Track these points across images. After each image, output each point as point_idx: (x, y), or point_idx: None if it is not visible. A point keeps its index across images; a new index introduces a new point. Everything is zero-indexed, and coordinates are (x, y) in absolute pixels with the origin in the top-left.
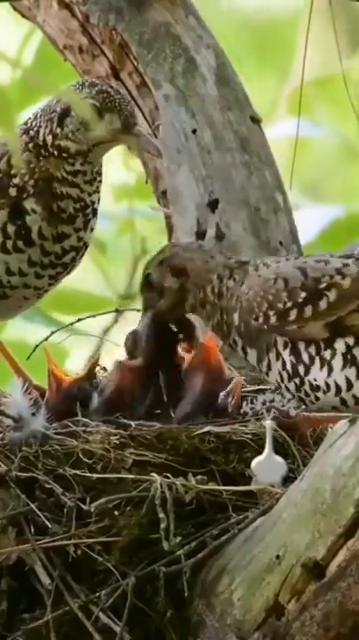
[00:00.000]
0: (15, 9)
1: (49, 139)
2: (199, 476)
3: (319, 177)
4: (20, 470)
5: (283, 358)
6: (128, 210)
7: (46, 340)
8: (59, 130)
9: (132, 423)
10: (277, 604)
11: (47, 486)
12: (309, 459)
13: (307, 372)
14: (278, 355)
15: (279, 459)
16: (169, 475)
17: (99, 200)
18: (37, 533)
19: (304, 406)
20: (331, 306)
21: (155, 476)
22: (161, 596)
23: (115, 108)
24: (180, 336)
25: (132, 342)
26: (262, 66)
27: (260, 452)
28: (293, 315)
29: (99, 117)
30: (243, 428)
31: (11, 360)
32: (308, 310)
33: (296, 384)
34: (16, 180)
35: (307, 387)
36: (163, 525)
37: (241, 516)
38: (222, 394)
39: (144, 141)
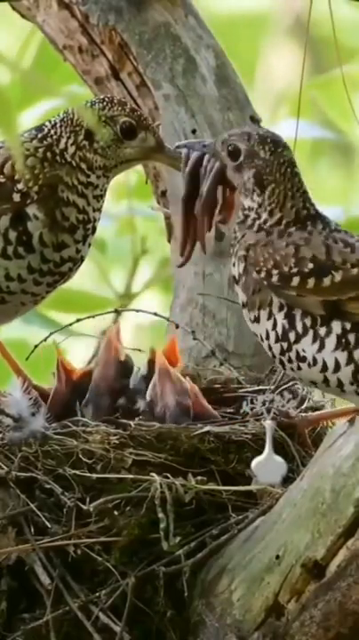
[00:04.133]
0: (14, 9)
1: (71, 149)
2: (199, 476)
3: (319, 178)
4: (20, 470)
5: (275, 319)
6: (128, 209)
7: (45, 340)
8: (85, 142)
9: (132, 423)
10: (277, 603)
11: (47, 486)
12: (309, 459)
13: (297, 340)
14: (270, 314)
15: (279, 459)
16: (168, 475)
17: (99, 219)
18: (37, 533)
19: (282, 370)
20: (333, 285)
21: (154, 475)
22: (161, 595)
23: (149, 126)
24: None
25: (193, 181)
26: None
27: (260, 452)
28: (296, 281)
29: (133, 135)
30: (243, 428)
31: (10, 360)
32: (311, 282)
33: (282, 347)
34: (20, 186)
35: (293, 354)
36: (162, 525)
37: (240, 516)
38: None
39: (177, 159)
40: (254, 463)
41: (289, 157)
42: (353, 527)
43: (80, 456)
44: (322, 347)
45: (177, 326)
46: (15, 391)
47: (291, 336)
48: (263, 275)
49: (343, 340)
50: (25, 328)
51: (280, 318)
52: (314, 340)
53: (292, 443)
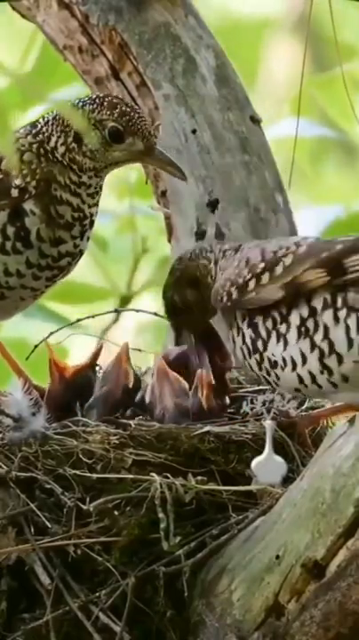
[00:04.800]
0: (14, 9)
1: (61, 149)
2: (199, 476)
3: (319, 177)
4: (20, 470)
5: (243, 332)
6: (129, 208)
7: (45, 340)
8: (74, 145)
9: (132, 423)
10: (277, 603)
11: (47, 486)
12: (309, 459)
13: (265, 346)
14: (239, 329)
15: (279, 459)
16: (168, 475)
17: (96, 213)
18: (37, 533)
19: (271, 388)
20: (286, 269)
21: (154, 475)
22: (161, 595)
23: (138, 130)
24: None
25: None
26: None
27: (260, 452)
28: (252, 284)
29: (121, 140)
30: (243, 428)
31: (10, 360)
32: (266, 277)
33: (256, 360)
34: (18, 181)
35: (266, 364)
36: (162, 525)
37: (240, 516)
38: (191, 393)
39: (167, 163)
40: (254, 463)
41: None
42: (353, 527)
43: (80, 456)
44: (286, 343)
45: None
46: (15, 391)
47: (259, 344)
48: (225, 299)
49: (302, 329)
50: (26, 322)
51: (245, 328)
52: (278, 340)
53: (292, 443)
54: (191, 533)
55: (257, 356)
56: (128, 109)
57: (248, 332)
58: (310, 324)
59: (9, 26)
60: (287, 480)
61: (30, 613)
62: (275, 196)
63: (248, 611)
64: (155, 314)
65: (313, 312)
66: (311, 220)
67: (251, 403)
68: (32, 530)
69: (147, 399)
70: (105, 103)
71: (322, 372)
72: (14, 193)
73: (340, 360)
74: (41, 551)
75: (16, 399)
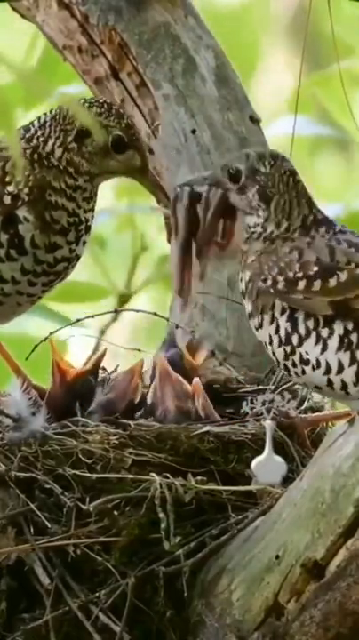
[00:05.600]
0: (14, 9)
1: (58, 151)
2: (199, 476)
3: (317, 175)
4: (20, 470)
5: (278, 323)
6: (128, 206)
7: (45, 340)
8: (74, 145)
9: (131, 423)
10: (277, 603)
11: (46, 486)
12: (309, 459)
13: (300, 343)
14: (273, 318)
15: (279, 459)
16: (168, 475)
17: (92, 218)
18: (37, 533)
19: (288, 376)
20: (339, 285)
21: (154, 475)
22: (160, 595)
23: (139, 147)
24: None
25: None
26: None
27: (260, 452)
28: (302, 285)
29: (122, 150)
30: (243, 428)
31: (10, 360)
32: (317, 284)
33: (285, 351)
34: (10, 188)
35: (296, 357)
36: (163, 525)
37: (240, 516)
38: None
39: (156, 187)
40: (254, 463)
41: (289, 167)
42: (352, 527)
43: (80, 456)
44: (325, 348)
45: (177, 326)
46: (15, 391)
47: (294, 339)
48: (269, 283)
49: (345, 341)
50: (25, 320)
51: (283, 321)
52: (316, 342)
53: (292, 443)
54: (191, 533)
55: (288, 347)
56: (132, 124)
57: (284, 325)
58: (354, 337)
59: (10, 24)
60: (287, 480)
61: (30, 613)
62: None
63: (248, 611)
64: (155, 314)
65: (358, 327)
66: None
67: (251, 403)
68: (32, 530)
69: (149, 400)
70: (113, 110)
71: (355, 385)
72: (6, 200)
73: None
74: (40, 551)
75: (15, 399)
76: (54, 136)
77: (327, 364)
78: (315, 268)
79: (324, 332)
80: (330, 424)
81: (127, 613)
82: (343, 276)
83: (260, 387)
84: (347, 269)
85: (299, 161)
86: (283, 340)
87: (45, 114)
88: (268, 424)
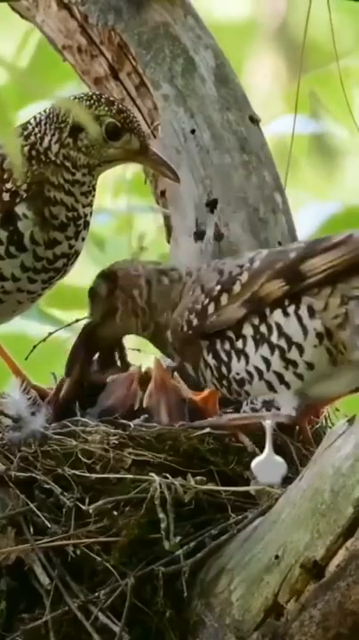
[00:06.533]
0: (14, 9)
1: (55, 147)
2: (198, 477)
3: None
4: (19, 470)
5: (209, 365)
6: (127, 206)
7: (44, 341)
8: (69, 140)
9: (131, 423)
10: (276, 603)
11: (46, 486)
12: (308, 459)
13: (228, 369)
14: (206, 363)
15: (279, 459)
16: (168, 475)
17: (91, 214)
18: (36, 533)
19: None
20: (243, 286)
21: (154, 476)
22: (160, 596)
23: (134, 128)
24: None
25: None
26: None
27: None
28: (211, 308)
29: (117, 137)
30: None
31: (9, 360)
32: (224, 298)
33: (226, 386)
34: (9, 185)
35: (235, 385)
36: (162, 525)
37: (240, 516)
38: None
39: (160, 163)
40: (254, 463)
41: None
42: (352, 527)
43: (79, 456)
44: (247, 358)
45: None
46: (14, 391)
47: (224, 369)
48: (185, 328)
49: (258, 336)
50: (26, 324)
51: (210, 359)
52: (239, 358)
53: (292, 443)
54: (190, 533)
55: (225, 382)
56: (124, 107)
57: (212, 362)
58: (263, 328)
59: (8, 26)
60: (287, 480)
61: (30, 613)
62: (274, 196)
63: (247, 611)
64: None
65: (263, 317)
66: (308, 216)
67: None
68: (31, 530)
69: (145, 403)
70: (102, 100)
71: (286, 368)
72: (5, 197)
73: (300, 349)
74: (40, 551)
75: (15, 399)
76: (50, 133)
77: (256, 368)
78: (218, 287)
79: (239, 344)
80: (329, 424)
81: (127, 613)
82: (244, 278)
83: None
84: (245, 271)
85: (295, 159)
86: (217, 375)
87: (40, 112)
88: (268, 424)
